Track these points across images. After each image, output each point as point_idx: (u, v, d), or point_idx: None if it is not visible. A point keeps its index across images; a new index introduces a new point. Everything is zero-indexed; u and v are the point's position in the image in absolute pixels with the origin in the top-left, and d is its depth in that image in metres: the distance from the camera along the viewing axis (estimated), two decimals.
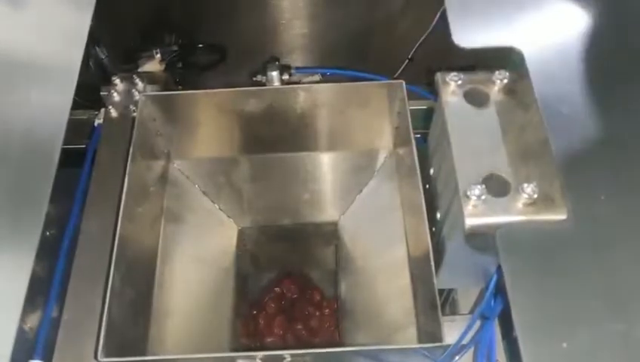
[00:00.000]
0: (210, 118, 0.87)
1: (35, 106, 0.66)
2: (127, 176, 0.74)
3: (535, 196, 0.59)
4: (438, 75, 0.71)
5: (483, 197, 0.60)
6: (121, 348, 0.66)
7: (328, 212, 1.01)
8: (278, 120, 0.86)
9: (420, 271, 0.73)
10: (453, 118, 0.67)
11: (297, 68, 1.01)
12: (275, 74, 0.94)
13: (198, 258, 0.93)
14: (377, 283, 0.90)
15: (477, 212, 0.60)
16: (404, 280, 0.81)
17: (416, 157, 0.75)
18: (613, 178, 0.60)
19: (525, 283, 0.55)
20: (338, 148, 0.93)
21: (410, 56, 1.02)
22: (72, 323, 0.70)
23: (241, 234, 1.03)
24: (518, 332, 0.52)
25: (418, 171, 0.75)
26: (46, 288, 0.72)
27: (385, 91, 0.84)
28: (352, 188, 0.98)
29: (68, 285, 0.73)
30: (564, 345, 0.51)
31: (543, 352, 0.51)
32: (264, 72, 0.95)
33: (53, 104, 0.66)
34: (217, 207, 0.99)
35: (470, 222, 0.60)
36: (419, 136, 0.82)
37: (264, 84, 0.95)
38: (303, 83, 1.01)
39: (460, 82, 0.70)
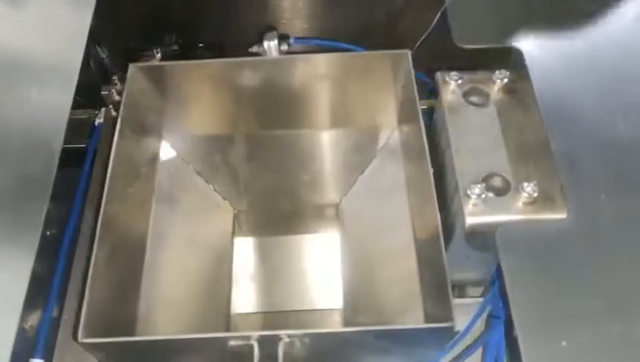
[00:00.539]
0: (205, 92, 0.83)
1: (35, 106, 0.66)
2: (113, 151, 0.70)
3: (535, 195, 0.59)
4: (438, 75, 0.71)
5: (483, 196, 0.60)
6: (106, 332, 0.62)
7: (329, 193, 0.96)
8: (276, 94, 0.81)
9: (428, 252, 0.68)
10: (453, 117, 0.68)
11: (296, 38, 0.96)
12: (272, 44, 0.90)
13: (192, 242, 0.88)
14: (381, 267, 0.85)
15: (477, 211, 0.60)
16: (410, 263, 0.76)
17: (424, 132, 0.69)
18: (613, 178, 0.60)
19: (525, 282, 0.55)
20: (339, 126, 0.87)
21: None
22: (72, 322, 0.70)
23: (237, 218, 0.98)
24: (518, 331, 0.52)
25: (426, 146, 0.68)
26: (46, 288, 0.72)
27: (389, 63, 0.77)
28: (354, 169, 0.92)
29: (68, 285, 0.73)
30: (564, 344, 0.51)
31: (543, 352, 0.51)
32: (261, 43, 0.91)
33: (53, 103, 0.66)
34: (212, 188, 0.93)
35: (470, 220, 0.60)
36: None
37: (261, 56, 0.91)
38: None
39: (460, 82, 0.70)
